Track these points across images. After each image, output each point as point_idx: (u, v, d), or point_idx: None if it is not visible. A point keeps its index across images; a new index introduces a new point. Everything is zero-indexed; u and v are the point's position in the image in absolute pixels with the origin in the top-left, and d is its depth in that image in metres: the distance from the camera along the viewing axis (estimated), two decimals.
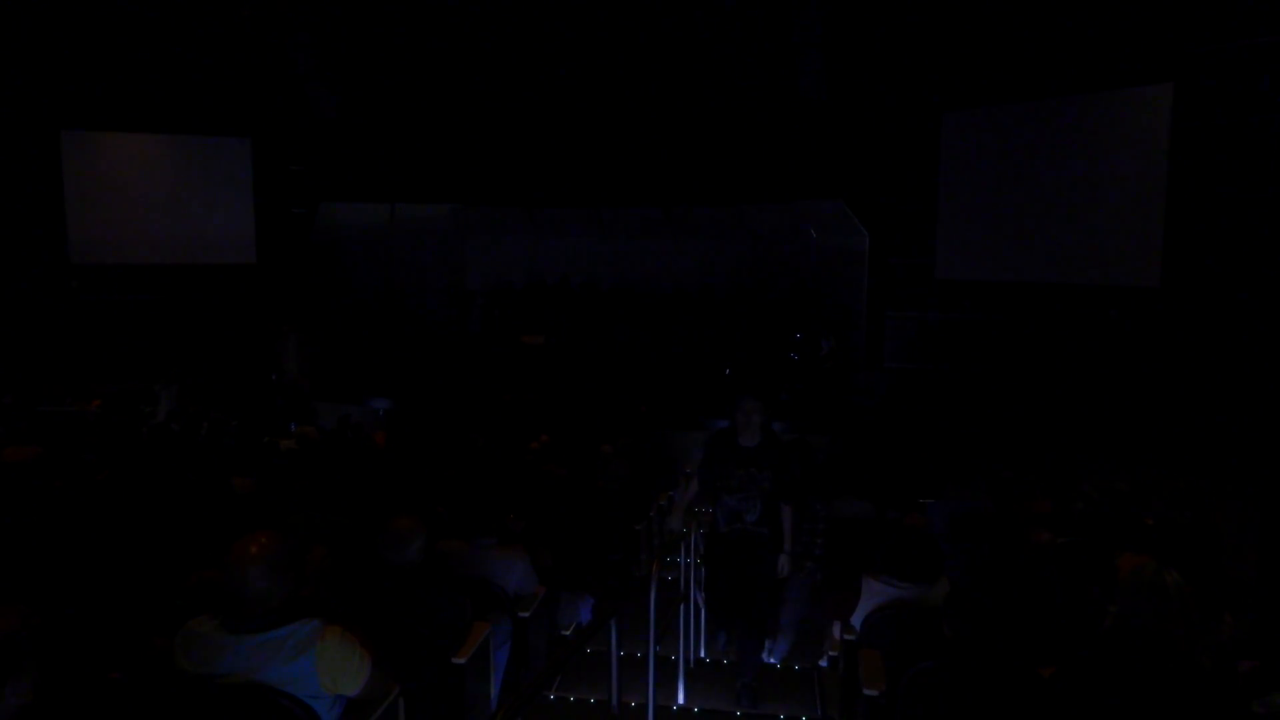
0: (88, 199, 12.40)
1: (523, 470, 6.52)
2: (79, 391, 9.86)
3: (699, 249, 13.84)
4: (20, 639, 2.22)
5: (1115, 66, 9.15)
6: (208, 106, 12.44)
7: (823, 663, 4.47)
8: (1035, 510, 5.18)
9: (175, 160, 12.87)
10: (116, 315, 12.38)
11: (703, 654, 5.17)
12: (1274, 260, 7.99)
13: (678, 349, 12.60)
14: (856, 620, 3.66)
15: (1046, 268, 10.05)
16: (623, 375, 12.21)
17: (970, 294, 10.84)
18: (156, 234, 12.72)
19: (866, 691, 3.12)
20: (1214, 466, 7.50)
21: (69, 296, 12.32)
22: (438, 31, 11.71)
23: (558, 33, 11.61)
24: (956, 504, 5.07)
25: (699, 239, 13.75)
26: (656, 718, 4.04)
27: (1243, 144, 8.18)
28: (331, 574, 3.56)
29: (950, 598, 2.97)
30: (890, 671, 3.12)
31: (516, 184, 12.74)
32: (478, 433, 8.36)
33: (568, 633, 4.72)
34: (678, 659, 4.61)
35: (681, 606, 4.84)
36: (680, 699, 4.50)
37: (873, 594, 3.64)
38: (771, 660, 4.98)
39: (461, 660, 3.28)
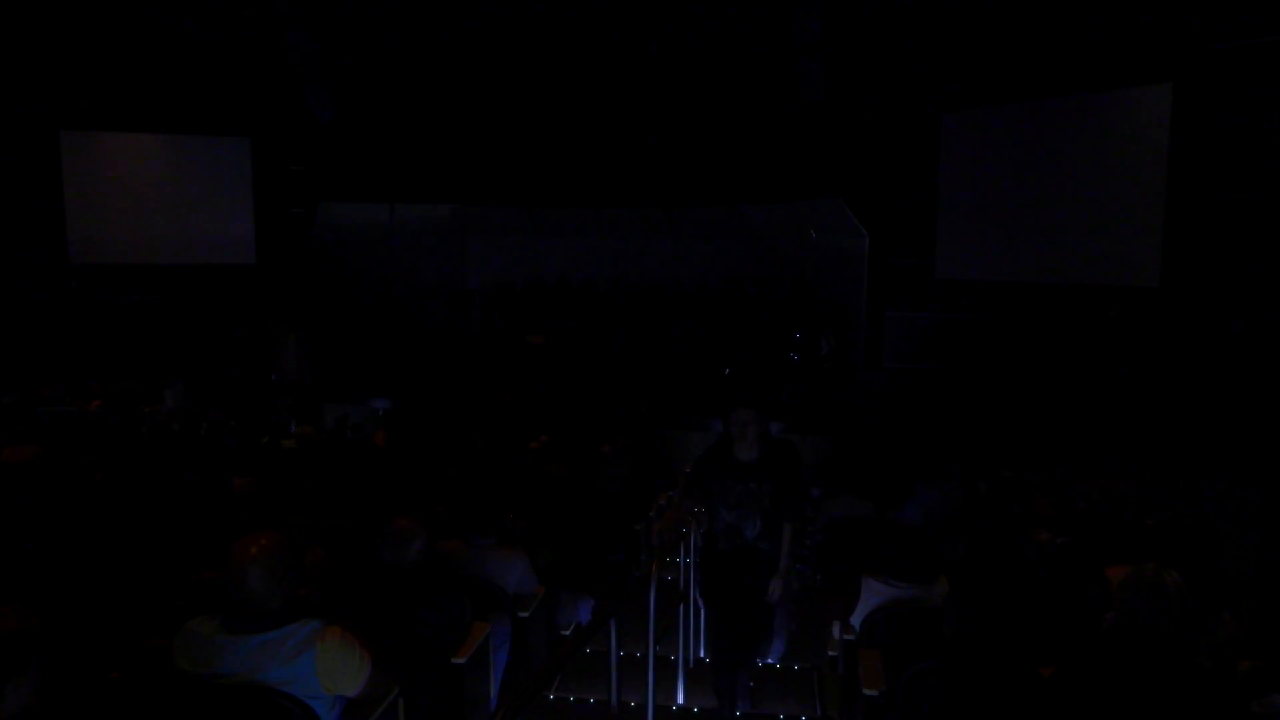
0: (87, 199, 12.39)
1: (523, 470, 6.52)
2: (79, 391, 9.86)
3: (699, 249, 13.84)
4: (20, 639, 2.22)
5: (1115, 66, 9.15)
6: (207, 106, 12.44)
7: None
8: (1035, 510, 5.17)
9: (175, 160, 12.87)
10: (116, 315, 12.38)
11: (702, 654, 5.17)
12: (1274, 260, 7.99)
13: (677, 349, 12.60)
14: (856, 620, 3.66)
15: (1046, 268, 10.06)
16: (623, 375, 12.21)
17: (970, 294, 10.84)
18: (156, 234, 12.72)
19: (866, 691, 3.12)
20: (1214, 466, 7.50)
21: (68, 296, 12.32)
22: (437, 31, 11.70)
23: (557, 33, 11.61)
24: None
25: (699, 239, 13.75)
26: (656, 718, 4.04)
27: (1242, 144, 8.18)
28: (329, 574, 3.57)
29: (950, 597, 2.97)
30: (890, 671, 3.12)
31: (516, 184, 12.74)
32: (478, 433, 8.36)
33: (567, 633, 4.73)
34: (677, 659, 4.61)
35: (681, 606, 4.84)
36: (680, 699, 4.51)
37: (872, 594, 3.64)
38: (770, 660, 4.98)
39: (461, 660, 3.28)
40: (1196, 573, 3.11)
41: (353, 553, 3.93)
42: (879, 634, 3.46)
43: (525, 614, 3.98)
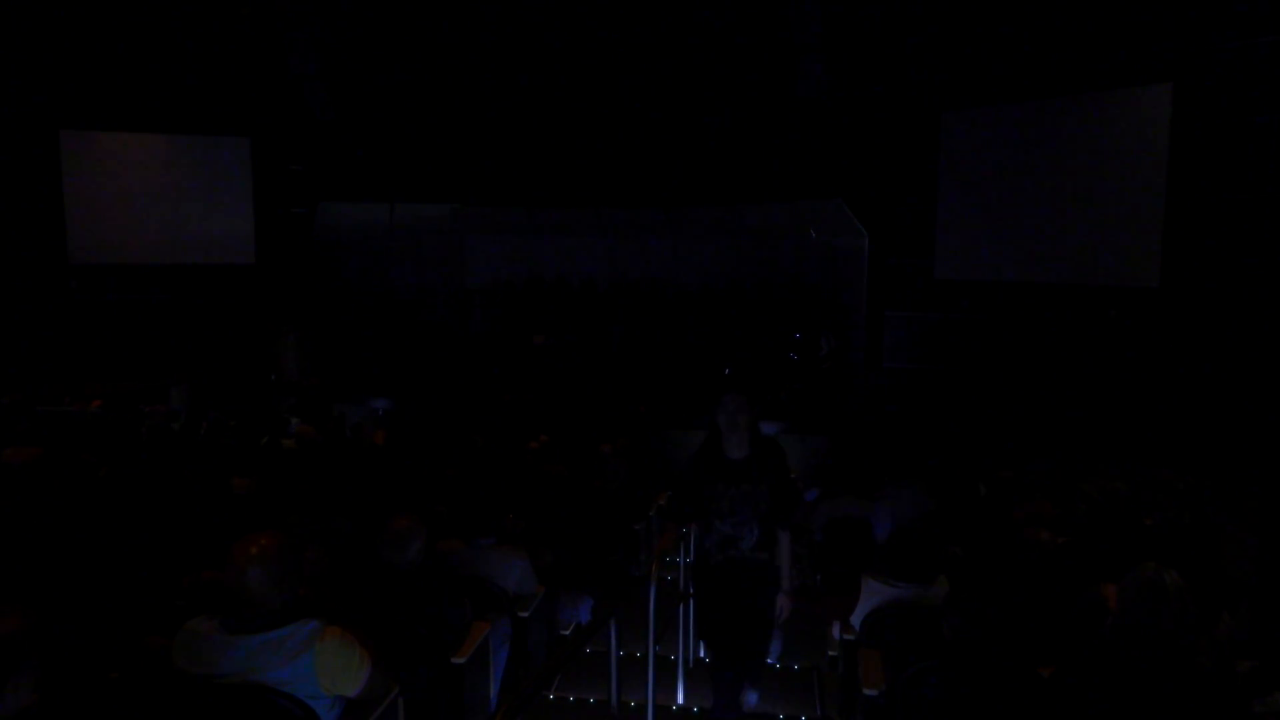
0: (86, 199, 12.39)
1: (522, 470, 6.52)
2: (78, 391, 9.86)
3: (699, 249, 13.84)
4: (20, 639, 2.22)
5: (1115, 66, 9.16)
6: (206, 106, 12.43)
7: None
8: (1035, 510, 5.17)
9: (174, 160, 12.86)
10: (115, 315, 12.37)
11: (702, 654, 5.17)
12: (1273, 260, 7.99)
13: (677, 349, 12.60)
14: (856, 620, 3.66)
15: (1046, 268, 10.06)
16: (622, 375, 12.21)
17: (969, 294, 10.85)
18: (155, 234, 12.71)
19: (866, 691, 3.12)
20: (1214, 466, 7.50)
21: (68, 296, 12.32)
22: (437, 31, 11.70)
23: (557, 32, 11.61)
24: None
25: (699, 239, 13.75)
26: (656, 718, 4.04)
27: (1242, 144, 8.18)
28: (326, 574, 3.57)
29: (950, 597, 2.98)
30: (890, 671, 3.13)
31: (516, 184, 12.74)
32: (477, 433, 8.36)
33: (567, 632, 4.72)
34: (677, 659, 4.61)
35: (681, 606, 4.84)
36: (680, 699, 4.51)
37: (872, 594, 3.64)
38: (769, 660, 4.98)
39: (461, 660, 3.28)
40: (1196, 573, 3.12)
41: (352, 553, 3.93)
42: (879, 634, 3.46)
43: (525, 614, 3.98)
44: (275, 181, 12.99)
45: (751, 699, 4.23)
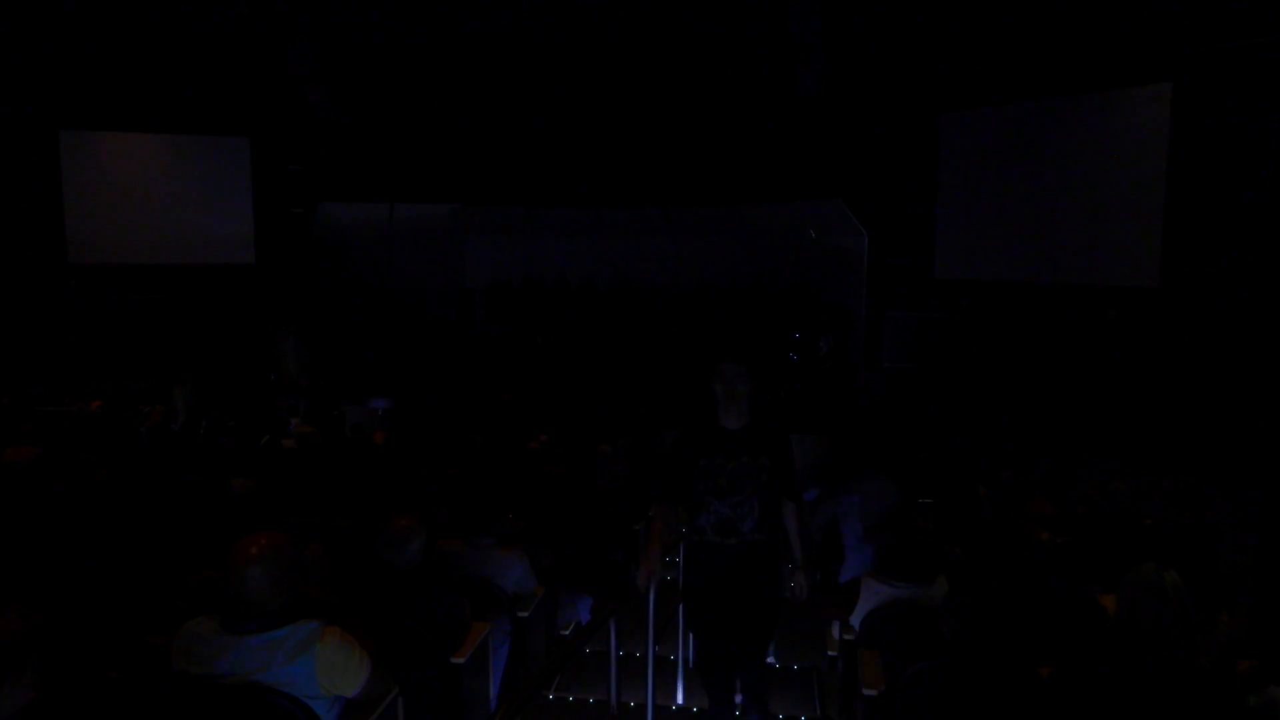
0: (86, 199, 12.39)
1: (522, 470, 6.52)
2: (78, 391, 9.86)
3: (699, 249, 13.84)
4: (20, 639, 2.22)
5: (1114, 66, 9.16)
6: (206, 106, 12.44)
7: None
8: (1035, 510, 5.17)
9: (174, 160, 12.86)
10: (115, 315, 12.37)
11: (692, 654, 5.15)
12: (1273, 260, 7.99)
13: (677, 349, 12.61)
14: (856, 620, 3.66)
15: (1045, 268, 10.06)
16: (622, 375, 12.22)
17: (969, 294, 10.85)
18: (155, 234, 12.72)
19: (865, 691, 3.13)
20: (1213, 466, 7.50)
21: (67, 296, 12.32)
22: (437, 31, 11.71)
23: (557, 32, 11.61)
24: (865, 499, 5.00)
25: (699, 239, 13.75)
26: (655, 718, 4.04)
27: (1242, 144, 8.18)
28: (327, 573, 3.57)
29: (950, 597, 2.98)
30: (889, 671, 3.13)
31: (516, 184, 12.74)
32: (477, 432, 8.36)
33: (567, 632, 4.73)
34: (677, 659, 4.61)
35: (681, 606, 4.84)
36: (679, 699, 4.50)
37: (872, 594, 3.64)
38: (769, 659, 4.97)
39: (460, 660, 3.28)
40: (1196, 573, 3.12)
41: (352, 553, 3.93)
42: (879, 634, 3.46)
43: (525, 613, 3.99)
44: (275, 181, 13.00)
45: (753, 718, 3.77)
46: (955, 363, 10.86)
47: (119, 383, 10.57)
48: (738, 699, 3.82)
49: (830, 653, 3.97)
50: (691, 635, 3.88)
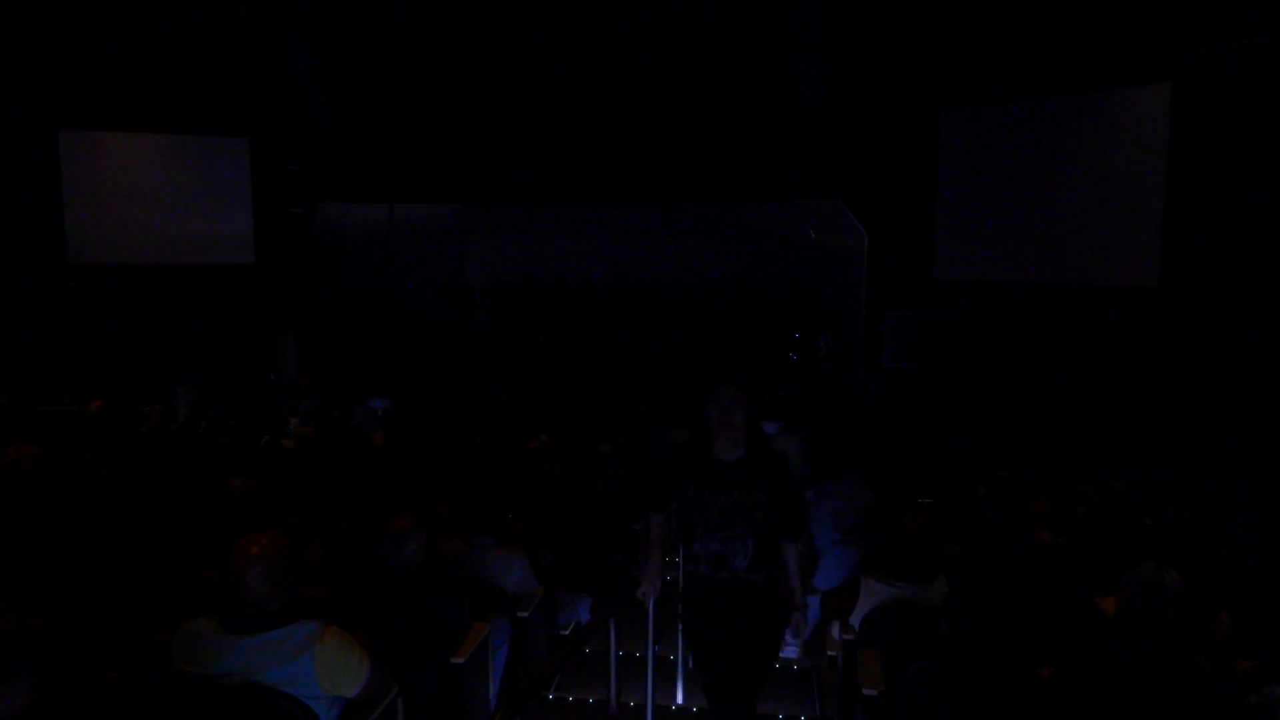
0: (86, 199, 12.39)
1: (522, 470, 6.52)
2: (78, 391, 9.86)
3: (698, 249, 13.85)
4: (16, 639, 2.22)
5: (1113, 66, 9.16)
6: (206, 106, 12.44)
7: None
8: (1034, 511, 5.18)
9: (173, 160, 12.86)
10: (115, 315, 12.38)
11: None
12: (1272, 260, 7.99)
13: (677, 349, 12.61)
14: (855, 620, 3.67)
15: (1045, 268, 10.06)
16: (622, 375, 12.22)
17: (968, 294, 10.85)
18: (154, 234, 12.72)
19: (865, 691, 3.13)
20: (1213, 466, 7.50)
21: (67, 296, 12.32)
22: (436, 31, 11.70)
23: (556, 32, 11.61)
24: (836, 500, 4.99)
25: (698, 239, 13.75)
26: (655, 718, 4.04)
27: (1241, 144, 8.18)
28: (326, 573, 3.57)
29: (949, 597, 2.98)
30: (889, 671, 3.13)
31: (516, 184, 12.74)
32: (477, 432, 8.36)
33: (566, 632, 4.73)
34: (676, 659, 4.61)
35: (680, 626, 4.83)
36: (679, 699, 4.50)
37: (872, 594, 3.65)
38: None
39: (460, 660, 3.28)
40: (1196, 573, 3.12)
41: (352, 553, 3.93)
42: (878, 634, 3.46)
43: (525, 614, 3.99)
44: (274, 182, 13.00)
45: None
46: (955, 363, 10.86)
47: (119, 383, 10.57)
48: None
49: (830, 653, 3.97)
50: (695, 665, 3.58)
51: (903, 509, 5.29)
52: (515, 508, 5.04)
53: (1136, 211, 9.04)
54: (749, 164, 12.04)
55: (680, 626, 3.85)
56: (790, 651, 3.36)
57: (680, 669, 4.59)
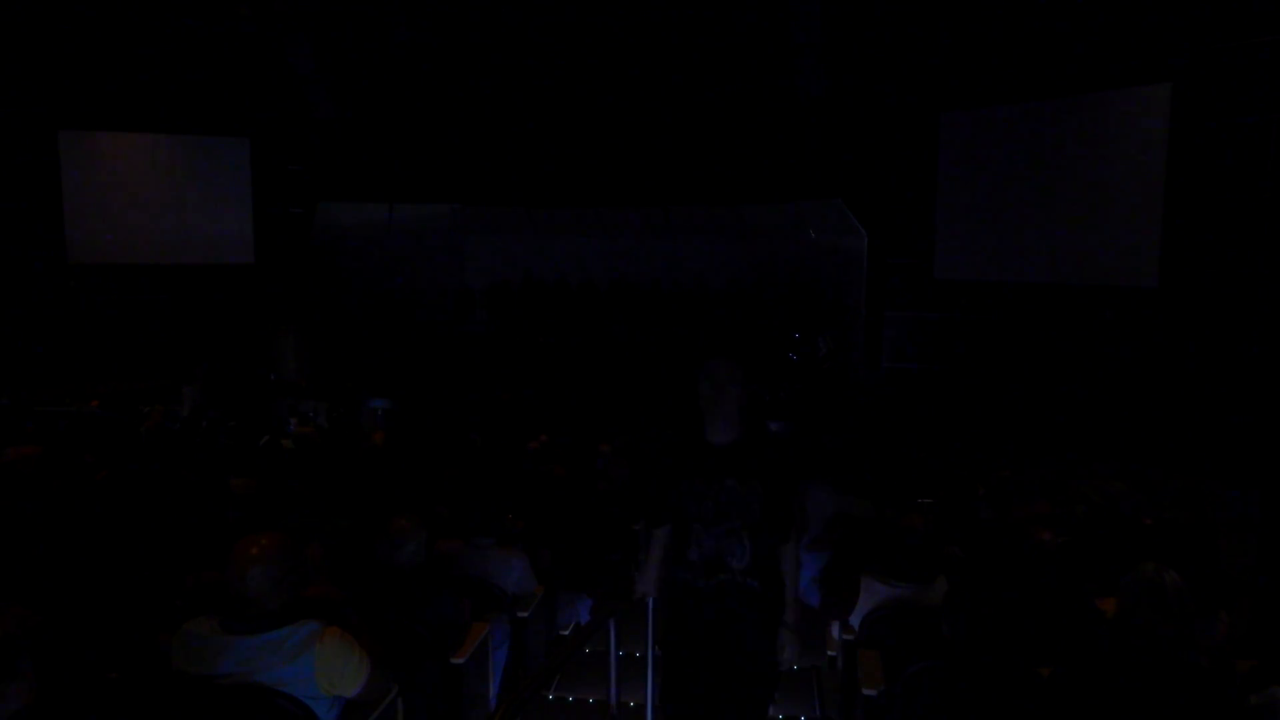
0: (86, 199, 12.40)
1: (522, 470, 6.53)
2: (78, 392, 9.86)
3: (698, 249, 13.85)
4: (17, 639, 2.22)
5: (1113, 66, 9.16)
6: (206, 106, 12.45)
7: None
8: (1034, 511, 5.18)
9: (174, 160, 12.87)
10: (115, 315, 12.38)
11: None
12: (1272, 260, 7.99)
13: (677, 349, 12.60)
14: (855, 620, 3.67)
15: (1044, 268, 10.06)
16: (622, 375, 12.22)
17: (968, 294, 10.85)
18: (155, 234, 12.73)
19: (865, 691, 3.13)
20: (1212, 466, 7.50)
21: (67, 296, 12.32)
22: (437, 31, 11.71)
23: (556, 32, 11.62)
24: (826, 500, 4.97)
25: (698, 239, 13.76)
26: (655, 718, 4.04)
27: (1241, 144, 8.18)
28: (326, 573, 3.57)
29: (949, 597, 2.98)
30: (889, 671, 3.13)
31: (516, 184, 12.75)
32: (477, 432, 8.36)
33: (566, 632, 4.73)
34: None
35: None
36: None
37: (872, 594, 3.65)
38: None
39: (460, 660, 3.28)
40: (1196, 573, 3.12)
41: (352, 553, 3.93)
42: (878, 634, 3.46)
43: (524, 614, 3.99)
44: (275, 181, 13.01)
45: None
46: (954, 363, 10.86)
47: (119, 383, 10.58)
48: None
49: (830, 653, 3.97)
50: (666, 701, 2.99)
51: (902, 509, 5.31)
52: (515, 508, 5.04)
53: (1136, 212, 9.04)
54: (749, 164, 12.04)
55: (653, 655, 3.41)
56: (787, 664, 2.84)
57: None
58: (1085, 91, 9.52)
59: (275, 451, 6.66)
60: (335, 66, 12.24)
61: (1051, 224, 9.92)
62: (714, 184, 12.26)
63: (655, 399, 11.33)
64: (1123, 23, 9.02)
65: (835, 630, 3.87)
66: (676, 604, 2.89)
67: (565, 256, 14.14)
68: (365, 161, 12.88)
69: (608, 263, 13.97)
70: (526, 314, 13.56)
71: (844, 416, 10.80)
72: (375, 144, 12.81)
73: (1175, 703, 2.48)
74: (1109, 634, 2.75)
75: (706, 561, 2.79)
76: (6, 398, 8.89)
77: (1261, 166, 8.05)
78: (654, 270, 13.79)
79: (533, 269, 14.13)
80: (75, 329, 12.13)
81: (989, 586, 3.16)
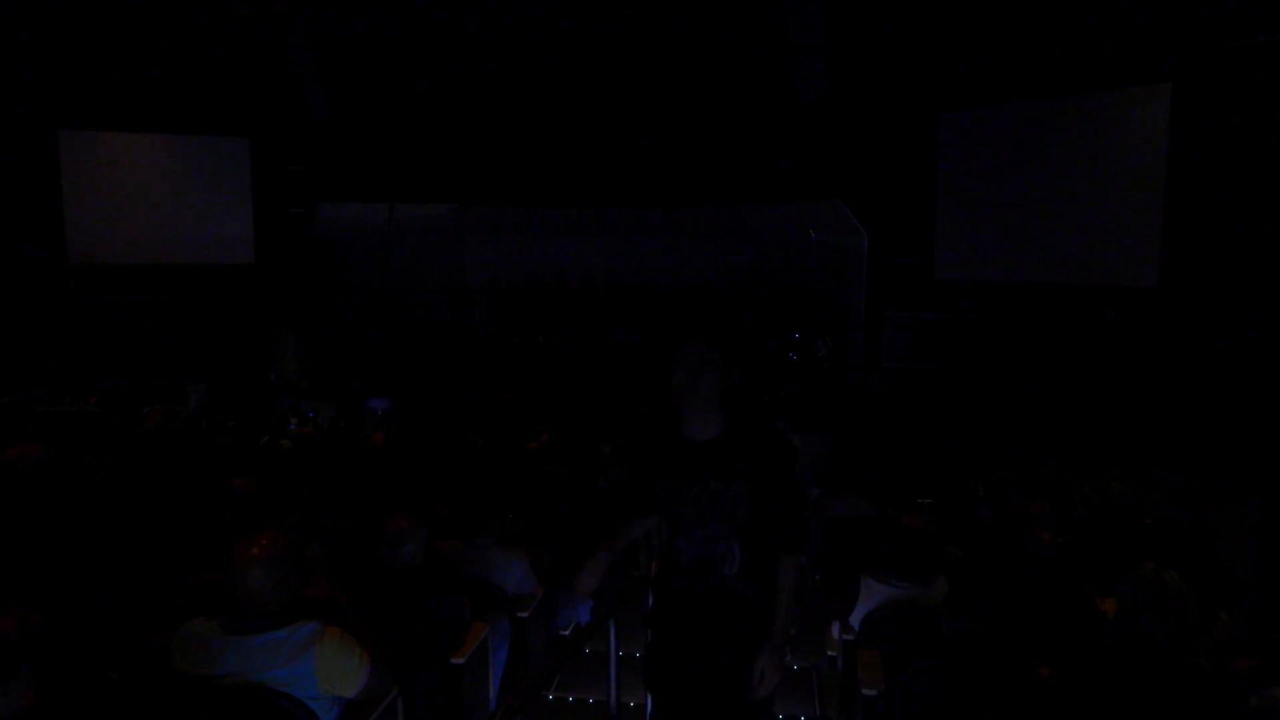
0: (86, 199, 12.39)
1: (522, 470, 6.52)
2: (78, 392, 9.86)
3: (698, 249, 13.84)
4: (17, 640, 2.22)
5: (1114, 66, 9.16)
6: (206, 106, 12.44)
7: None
8: (1034, 511, 5.18)
9: (173, 160, 12.87)
10: (115, 315, 12.38)
11: None
12: (1271, 260, 7.99)
13: (676, 348, 12.59)
14: (855, 620, 3.67)
15: (1045, 268, 10.06)
16: (622, 375, 12.22)
17: (969, 294, 10.85)
18: (155, 234, 12.72)
19: (865, 691, 3.13)
20: (1212, 466, 7.50)
21: (68, 296, 12.32)
22: (436, 31, 11.71)
23: (557, 32, 11.62)
24: (833, 505, 4.96)
25: (698, 239, 13.75)
26: (654, 718, 4.03)
27: (1241, 144, 8.18)
28: (326, 573, 3.57)
29: (949, 597, 2.98)
30: (889, 671, 3.13)
31: (516, 184, 12.75)
32: (477, 432, 8.37)
33: (566, 632, 4.73)
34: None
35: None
36: None
37: (872, 593, 3.65)
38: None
39: (460, 660, 3.28)
40: (1196, 573, 3.12)
41: (352, 553, 3.93)
42: (878, 634, 3.46)
43: (524, 614, 3.99)
44: (274, 181, 13.00)
45: None
46: (955, 363, 10.86)
47: (119, 383, 10.58)
48: None
49: (830, 653, 3.97)
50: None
51: (902, 509, 5.31)
52: (515, 508, 5.04)
53: (1136, 212, 9.04)
54: (749, 164, 12.04)
55: (643, 659, 3.18)
56: (762, 690, 2.52)
57: None
58: (1085, 91, 9.51)
59: (275, 451, 6.66)
60: (335, 66, 12.24)
61: (1051, 224, 9.92)
62: (714, 184, 12.26)
63: (655, 399, 11.33)
64: (1122, 23, 9.02)
65: (835, 630, 3.87)
66: (661, 606, 2.73)
67: (565, 256, 14.13)
68: (365, 161, 12.88)
69: (608, 263, 13.96)
70: (526, 314, 13.56)
71: (844, 416, 10.80)
72: (375, 144, 12.81)
73: (1175, 703, 2.48)
74: (1109, 634, 2.75)
75: (695, 566, 2.58)
76: (6, 397, 8.89)
77: (1261, 166, 8.05)
78: (654, 270, 13.78)
79: (533, 269, 14.13)
80: (75, 329, 12.12)
81: (989, 586, 3.16)
